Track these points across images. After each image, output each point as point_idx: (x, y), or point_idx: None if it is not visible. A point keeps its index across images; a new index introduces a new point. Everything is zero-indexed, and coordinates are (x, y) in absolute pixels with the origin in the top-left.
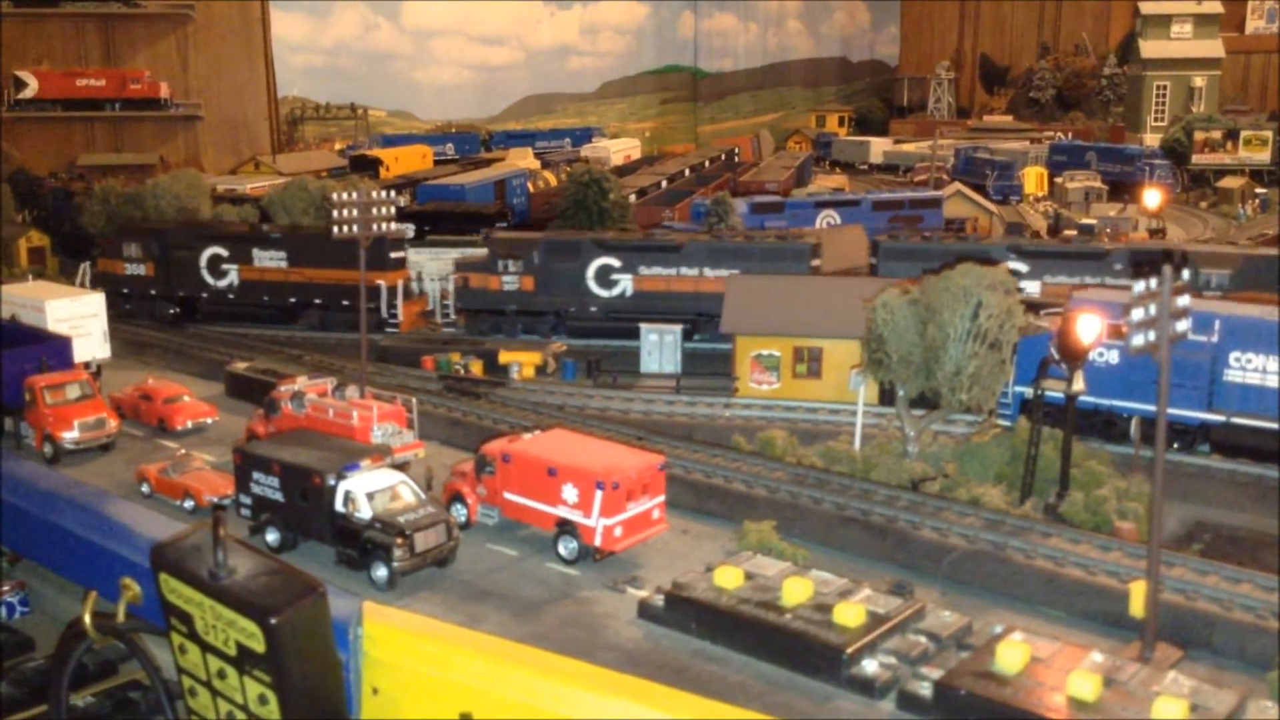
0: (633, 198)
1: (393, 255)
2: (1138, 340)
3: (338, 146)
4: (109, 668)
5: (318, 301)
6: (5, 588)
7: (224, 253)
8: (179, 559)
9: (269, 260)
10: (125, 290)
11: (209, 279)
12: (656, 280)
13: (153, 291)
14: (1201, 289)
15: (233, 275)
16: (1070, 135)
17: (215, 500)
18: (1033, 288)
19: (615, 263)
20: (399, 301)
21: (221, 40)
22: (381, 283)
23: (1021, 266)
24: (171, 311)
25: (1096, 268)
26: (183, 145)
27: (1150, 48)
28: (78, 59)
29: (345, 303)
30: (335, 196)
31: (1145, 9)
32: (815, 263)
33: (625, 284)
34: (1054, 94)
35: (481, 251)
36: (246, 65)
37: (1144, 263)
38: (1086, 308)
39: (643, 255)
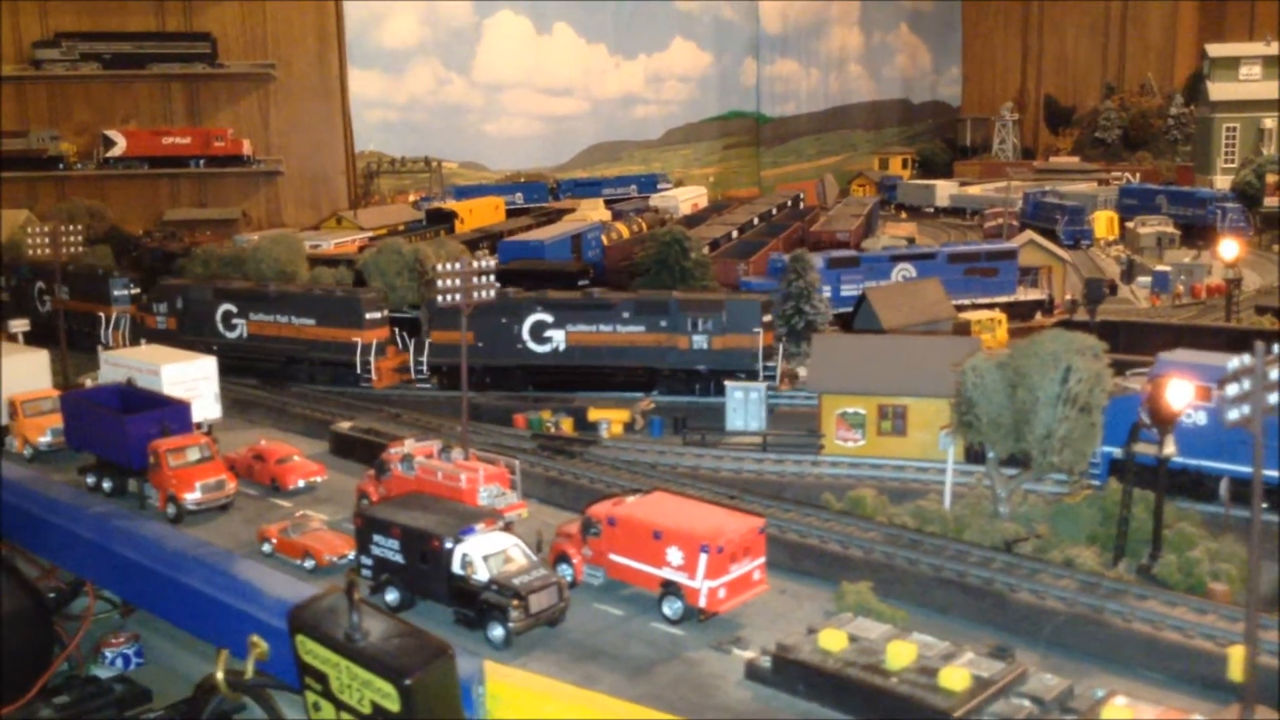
0: (705, 249)
1: None
2: (1233, 415)
3: (411, 199)
4: (223, 718)
5: None
6: (120, 639)
7: None
8: (315, 621)
9: None
10: None
11: None
12: (264, 325)
13: None
14: (690, 332)
15: None
16: (1138, 176)
17: (336, 560)
18: (558, 336)
19: (234, 308)
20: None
21: (301, 98)
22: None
23: (548, 317)
24: None
25: (607, 316)
26: (264, 200)
27: (1218, 89)
28: (164, 118)
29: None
30: (440, 267)
31: (1213, 51)
32: (373, 315)
33: (241, 327)
34: (1120, 134)
35: None
36: (325, 122)
37: (646, 310)
38: (1177, 372)
39: (252, 303)
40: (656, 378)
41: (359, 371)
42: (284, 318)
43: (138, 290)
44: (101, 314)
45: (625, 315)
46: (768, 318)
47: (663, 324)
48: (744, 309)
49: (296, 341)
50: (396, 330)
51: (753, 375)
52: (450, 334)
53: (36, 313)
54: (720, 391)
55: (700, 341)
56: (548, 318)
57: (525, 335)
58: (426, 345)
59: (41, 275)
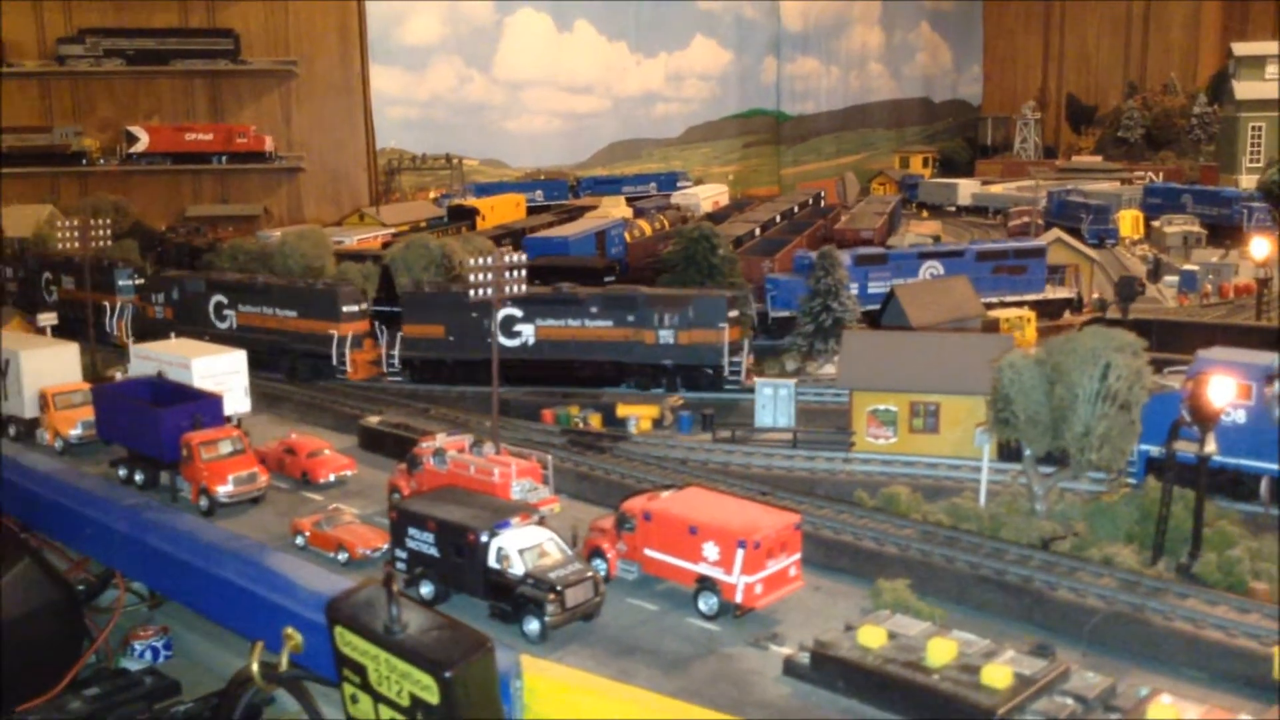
0: (729, 246)
1: None
2: None
3: (432, 195)
4: (254, 711)
5: None
6: (149, 632)
7: None
8: (354, 613)
9: None
10: None
11: None
12: (251, 316)
13: None
14: (658, 328)
15: None
16: (1161, 175)
17: (369, 553)
18: (528, 330)
19: (224, 299)
20: None
21: (323, 95)
22: None
23: (517, 311)
24: None
25: (575, 311)
26: (285, 197)
27: (1244, 89)
28: (186, 114)
29: None
30: (471, 261)
31: (1238, 50)
32: (350, 308)
33: (231, 318)
34: (1143, 133)
35: None
36: (346, 119)
37: (614, 305)
38: (1219, 369)
39: (241, 294)
40: (625, 372)
41: (334, 363)
42: (269, 309)
43: (141, 281)
44: (106, 303)
45: (593, 310)
46: (734, 313)
47: (630, 319)
48: (709, 305)
49: (279, 332)
50: (376, 324)
51: (718, 370)
52: (422, 328)
53: (44, 302)
54: (686, 386)
55: (666, 336)
56: (517, 312)
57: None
58: (399, 338)
59: (48, 266)
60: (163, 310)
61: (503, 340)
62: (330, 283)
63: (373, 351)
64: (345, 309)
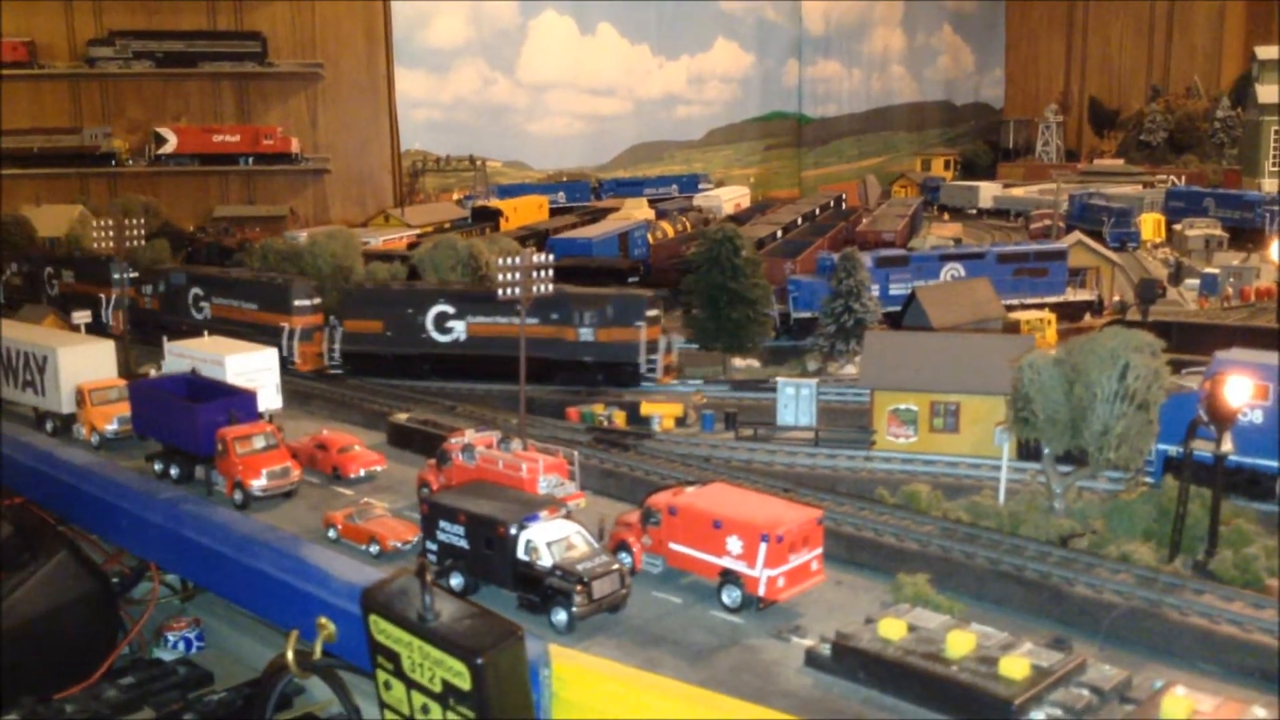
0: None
1: None
2: None
3: (455, 197)
4: (284, 700)
5: None
6: (181, 624)
7: None
8: (388, 602)
9: None
10: None
11: None
12: (221, 308)
13: None
14: (578, 325)
15: None
16: (1183, 179)
17: (400, 546)
18: (459, 326)
19: (200, 292)
20: None
21: (349, 97)
22: None
23: (450, 308)
24: None
25: (504, 309)
26: (311, 198)
27: (1266, 92)
28: (214, 116)
29: None
30: (501, 261)
31: (1261, 53)
32: (302, 302)
33: (207, 310)
34: (1165, 137)
35: None
36: (372, 121)
37: (540, 303)
38: (1236, 370)
39: (214, 287)
40: (552, 368)
41: (284, 354)
42: (235, 302)
43: (134, 274)
44: (103, 295)
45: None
46: (653, 312)
47: (554, 316)
48: (628, 303)
49: (243, 324)
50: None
51: (635, 368)
52: (362, 323)
53: (46, 296)
54: (608, 381)
55: (586, 334)
56: (449, 309)
57: (429, 325)
58: (340, 333)
59: (50, 261)
60: (151, 301)
61: (436, 336)
62: (286, 277)
63: (321, 345)
64: (297, 302)
